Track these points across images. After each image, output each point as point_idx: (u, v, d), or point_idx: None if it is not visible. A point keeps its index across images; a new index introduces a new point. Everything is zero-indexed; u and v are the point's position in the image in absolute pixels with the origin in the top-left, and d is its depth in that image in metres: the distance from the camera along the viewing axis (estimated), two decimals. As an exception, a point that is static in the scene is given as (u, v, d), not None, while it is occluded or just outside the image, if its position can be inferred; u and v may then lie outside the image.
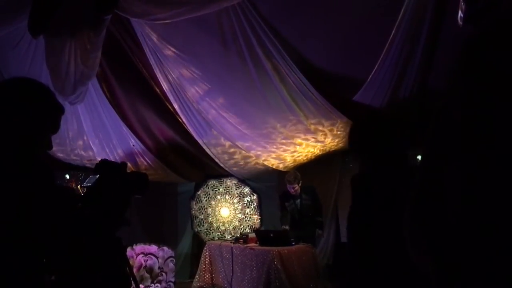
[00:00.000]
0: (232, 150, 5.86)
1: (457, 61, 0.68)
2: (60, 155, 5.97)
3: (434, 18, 3.31)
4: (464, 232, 0.65)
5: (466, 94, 0.64)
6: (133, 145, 5.94)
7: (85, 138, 5.86)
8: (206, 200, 7.04)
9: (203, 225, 7.03)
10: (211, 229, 6.95)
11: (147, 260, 5.28)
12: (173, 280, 5.59)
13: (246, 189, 6.84)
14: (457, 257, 0.66)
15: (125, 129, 5.72)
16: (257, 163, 6.10)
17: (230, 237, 6.42)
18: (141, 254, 5.28)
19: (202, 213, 7.05)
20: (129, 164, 5.65)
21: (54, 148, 1.56)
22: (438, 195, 0.68)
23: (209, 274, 5.53)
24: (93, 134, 5.83)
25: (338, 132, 5.21)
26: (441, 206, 0.68)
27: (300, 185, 5.31)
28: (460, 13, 2.48)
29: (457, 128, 0.65)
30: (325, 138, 5.36)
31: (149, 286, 5.22)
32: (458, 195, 0.64)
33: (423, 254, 0.72)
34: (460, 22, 2.47)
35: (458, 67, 0.68)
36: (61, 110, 1.52)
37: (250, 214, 6.78)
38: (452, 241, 0.66)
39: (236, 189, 6.88)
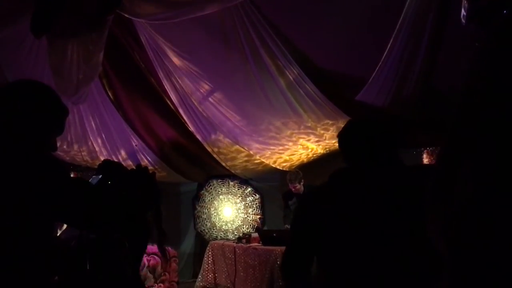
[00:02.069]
0: (234, 149, 5.86)
1: (475, 61, 0.67)
2: (62, 155, 5.98)
3: (437, 16, 3.30)
4: (467, 232, 0.65)
5: (484, 95, 0.64)
6: (136, 145, 5.94)
7: (87, 138, 5.86)
8: (208, 200, 7.04)
9: (205, 225, 7.03)
10: (214, 228, 6.95)
11: (150, 260, 5.29)
12: (176, 280, 5.59)
13: (249, 189, 6.84)
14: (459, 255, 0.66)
15: (127, 128, 5.73)
16: (259, 163, 6.09)
17: (233, 237, 6.41)
18: (144, 254, 5.28)
19: (205, 213, 7.05)
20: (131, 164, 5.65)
21: (55, 148, 1.57)
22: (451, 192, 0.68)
23: (212, 274, 5.54)
24: (96, 134, 5.83)
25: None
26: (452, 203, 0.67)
27: (302, 184, 5.29)
28: (463, 12, 2.47)
29: (474, 127, 0.65)
30: (327, 138, 5.34)
31: (152, 286, 5.23)
32: (465, 193, 0.64)
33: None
34: (463, 21, 2.47)
35: (476, 67, 0.67)
36: (66, 112, 1.54)
37: (252, 214, 6.78)
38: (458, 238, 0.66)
39: (238, 189, 6.88)
